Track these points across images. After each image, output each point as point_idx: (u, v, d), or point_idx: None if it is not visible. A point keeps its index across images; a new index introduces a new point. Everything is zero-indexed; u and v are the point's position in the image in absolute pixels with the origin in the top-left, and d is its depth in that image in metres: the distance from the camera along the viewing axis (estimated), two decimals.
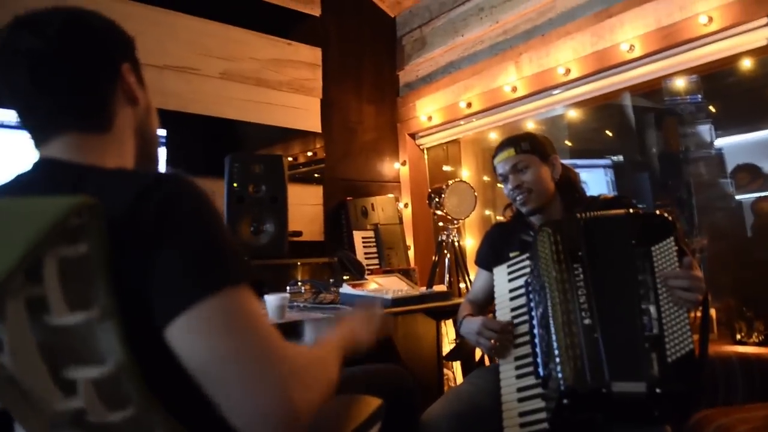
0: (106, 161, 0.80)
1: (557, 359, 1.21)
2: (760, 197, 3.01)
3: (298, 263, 2.72)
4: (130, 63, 0.87)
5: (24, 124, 0.82)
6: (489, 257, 1.78)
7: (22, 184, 0.79)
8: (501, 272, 1.63)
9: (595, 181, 3.99)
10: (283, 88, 2.99)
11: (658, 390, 1.12)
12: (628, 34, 2.30)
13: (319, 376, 0.73)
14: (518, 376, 1.41)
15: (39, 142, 0.81)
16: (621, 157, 4.03)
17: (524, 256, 1.56)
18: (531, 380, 1.36)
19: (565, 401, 1.17)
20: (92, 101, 0.82)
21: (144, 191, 0.68)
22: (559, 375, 1.18)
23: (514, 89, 2.76)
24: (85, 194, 0.63)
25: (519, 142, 1.70)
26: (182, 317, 0.62)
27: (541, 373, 1.28)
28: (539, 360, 1.31)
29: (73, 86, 0.79)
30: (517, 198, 1.69)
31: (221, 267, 0.67)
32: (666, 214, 1.34)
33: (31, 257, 0.59)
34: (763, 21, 1.93)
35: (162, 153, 2.40)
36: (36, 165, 0.80)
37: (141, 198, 0.67)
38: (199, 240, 0.67)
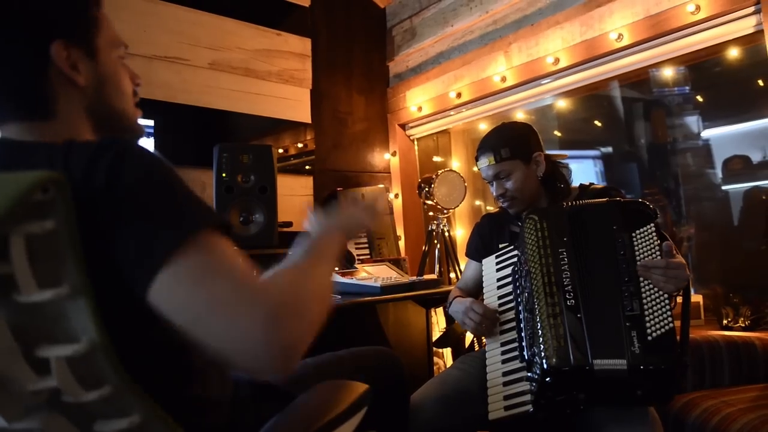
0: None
1: (541, 339, 1.22)
2: (754, 187, 3.05)
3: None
4: (66, 38, 0.77)
5: None
6: (479, 248, 1.79)
7: None
8: (490, 262, 1.65)
9: (585, 171, 4.00)
10: (272, 78, 2.97)
11: (639, 367, 1.14)
12: (617, 23, 2.30)
13: (310, 297, 0.72)
14: (504, 361, 1.42)
15: None
16: (610, 148, 4.04)
17: (512, 247, 1.58)
18: (516, 364, 1.37)
19: (548, 380, 1.18)
20: (20, 90, 0.76)
21: (90, 160, 0.67)
22: (543, 354, 1.19)
23: (504, 79, 2.76)
24: (43, 170, 0.61)
25: (499, 148, 1.64)
26: (159, 277, 0.62)
27: (526, 356, 1.30)
28: (524, 343, 1.32)
29: None
30: (503, 204, 1.71)
31: (183, 216, 0.67)
32: (647, 203, 1.37)
33: None
34: (751, 9, 1.94)
35: (150, 143, 2.38)
36: None
37: (89, 167, 0.66)
38: (154, 198, 0.66)
